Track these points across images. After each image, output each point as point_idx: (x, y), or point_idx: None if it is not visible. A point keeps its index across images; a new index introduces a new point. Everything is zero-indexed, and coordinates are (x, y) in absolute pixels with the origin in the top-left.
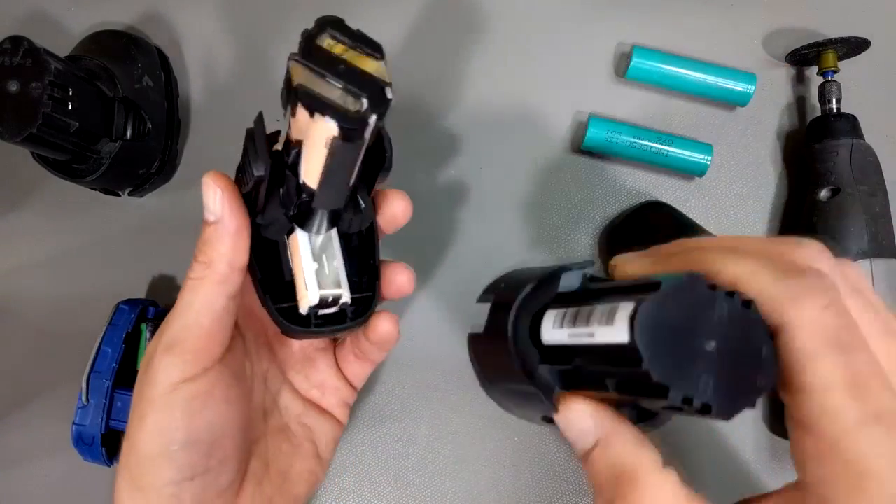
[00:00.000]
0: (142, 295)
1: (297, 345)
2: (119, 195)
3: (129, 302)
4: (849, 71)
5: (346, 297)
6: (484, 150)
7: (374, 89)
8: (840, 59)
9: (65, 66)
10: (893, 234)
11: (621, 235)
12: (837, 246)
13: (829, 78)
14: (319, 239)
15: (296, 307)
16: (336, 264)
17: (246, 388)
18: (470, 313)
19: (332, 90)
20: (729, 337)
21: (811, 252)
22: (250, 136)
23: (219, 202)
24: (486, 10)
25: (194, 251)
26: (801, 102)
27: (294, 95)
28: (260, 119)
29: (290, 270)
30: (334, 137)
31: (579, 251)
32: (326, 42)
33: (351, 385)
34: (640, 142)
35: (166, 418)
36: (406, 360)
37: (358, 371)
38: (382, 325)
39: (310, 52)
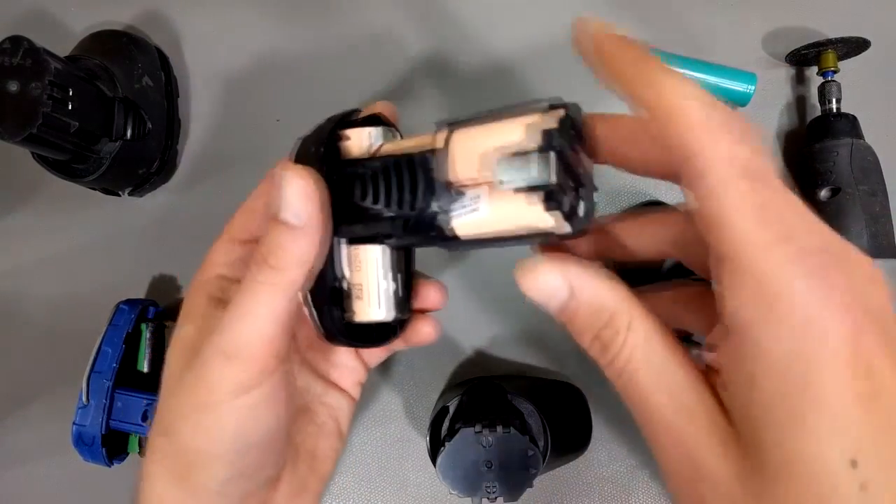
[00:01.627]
0: (142, 295)
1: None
2: (119, 195)
3: (129, 302)
4: (849, 71)
5: (407, 316)
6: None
7: (590, 193)
8: (840, 59)
9: (65, 66)
10: (893, 234)
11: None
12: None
13: (829, 78)
14: (396, 254)
15: (341, 315)
16: (401, 284)
17: (295, 385)
18: (471, 313)
19: (569, 188)
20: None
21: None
22: (423, 164)
23: (308, 205)
24: (485, 9)
25: (260, 248)
26: (801, 102)
27: (551, 194)
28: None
29: (334, 275)
30: (555, 235)
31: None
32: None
33: (365, 365)
34: None
35: (227, 425)
36: (406, 360)
37: (376, 353)
38: (425, 330)
39: (567, 150)
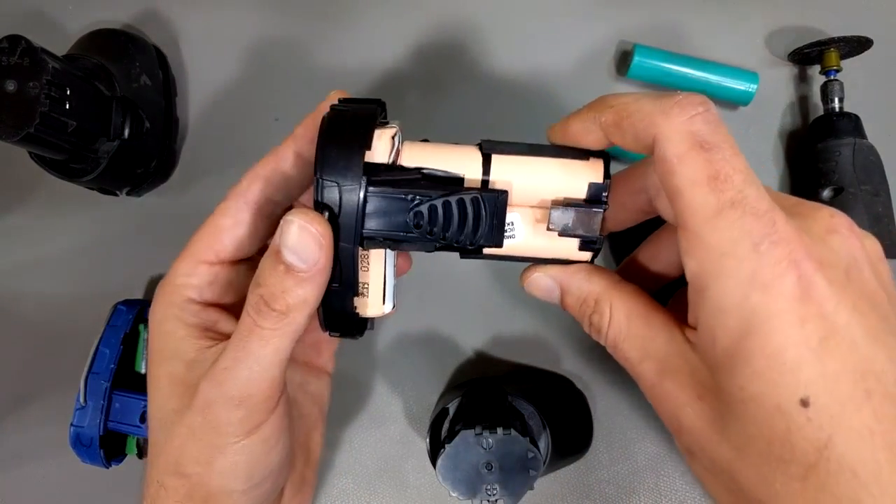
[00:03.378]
0: (140, 295)
1: None
2: (117, 195)
3: (127, 302)
4: (851, 70)
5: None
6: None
7: (601, 234)
8: (843, 57)
9: (62, 65)
10: None
11: (627, 235)
12: None
13: (832, 77)
14: (394, 254)
15: (349, 312)
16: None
17: (292, 401)
18: (471, 313)
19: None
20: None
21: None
22: (489, 204)
23: (319, 253)
24: (486, 10)
25: (260, 290)
26: (803, 102)
27: (593, 243)
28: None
29: (351, 279)
30: (581, 262)
31: None
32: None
33: None
34: None
35: (240, 463)
36: (406, 361)
37: None
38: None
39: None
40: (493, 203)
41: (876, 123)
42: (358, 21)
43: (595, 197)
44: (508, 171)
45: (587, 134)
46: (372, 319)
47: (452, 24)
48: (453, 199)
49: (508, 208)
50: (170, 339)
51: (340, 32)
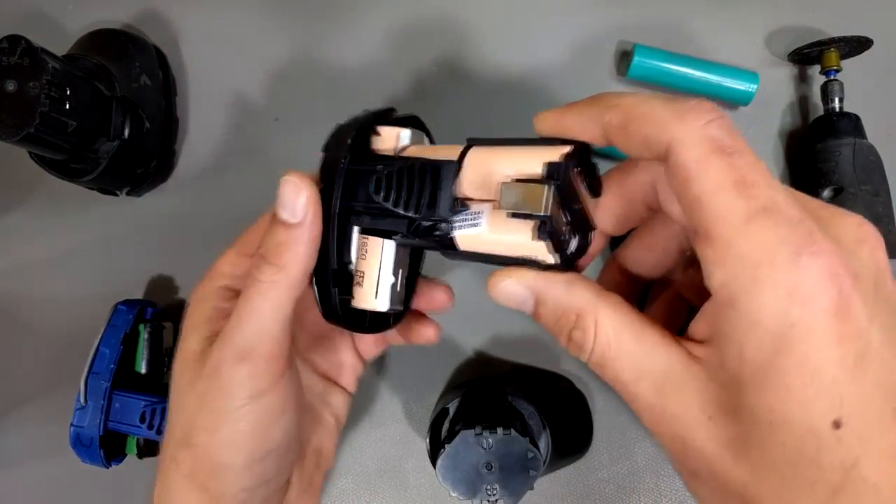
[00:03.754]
0: (140, 295)
1: (316, 326)
2: (117, 195)
3: (127, 302)
4: (851, 70)
5: (402, 309)
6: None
7: (586, 232)
8: (843, 58)
9: (62, 65)
10: None
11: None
12: None
13: (832, 77)
14: (401, 251)
15: (342, 297)
16: (403, 281)
17: (302, 390)
18: (471, 314)
19: (562, 222)
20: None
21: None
22: (434, 172)
23: (304, 206)
24: (486, 10)
25: (260, 249)
26: (803, 102)
27: (542, 225)
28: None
29: (339, 258)
30: (542, 264)
31: None
32: (576, 170)
33: (362, 360)
34: None
35: (244, 430)
36: (406, 361)
37: (374, 351)
38: (427, 332)
39: (564, 181)
40: (436, 171)
41: (876, 123)
42: (357, 21)
43: (549, 175)
44: (479, 160)
45: (584, 132)
46: (386, 318)
47: (452, 24)
48: (404, 167)
49: (478, 204)
50: (198, 318)
51: (340, 32)
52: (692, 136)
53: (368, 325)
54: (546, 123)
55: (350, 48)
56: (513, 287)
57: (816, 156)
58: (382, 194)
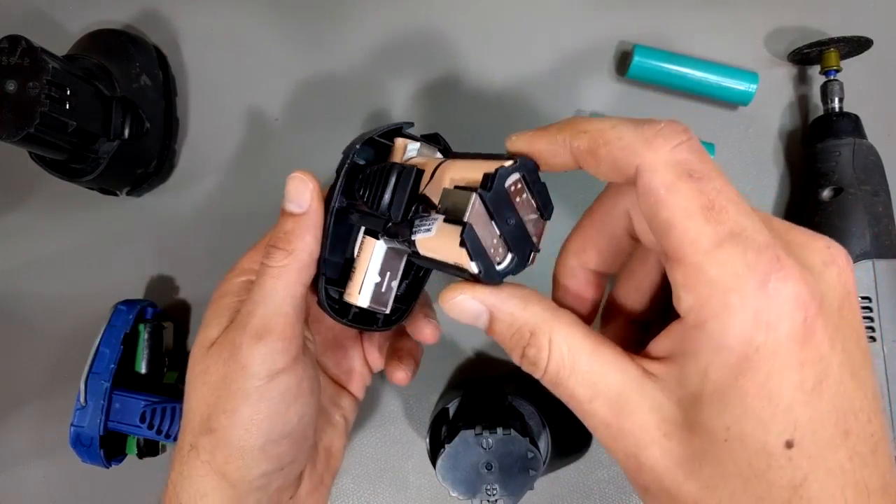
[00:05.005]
0: (140, 295)
1: (330, 331)
2: (117, 195)
3: (127, 302)
4: (851, 70)
5: (386, 312)
6: (483, 150)
7: (525, 250)
8: (842, 58)
9: (62, 65)
10: None
11: None
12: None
13: (832, 77)
14: (390, 254)
15: (339, 291)
16: (393, 284)
17: (318, 381)
18: None
19: (491, 233)
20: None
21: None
22: (398, 176)
23: (309, 197)
24: (486, 9)
25: (270, 241)
26: (803, 102)
27: (463, 230)
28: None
29: (341, 260)
30: (469, 273)
31: None
32: (512, 183)
33: (370, 369)
34: None
35: (263, 411)
36: None
37: (379, 362)
38: (426, 330)
39: (495, 192)
40: (400, 173)
41: (876, 123)
42: (358, 21)
43: (481, 184)
44: (446, 170)
45: (554, 156)
46: (373, 318)
47: (452, 25)
48: (378, 169)
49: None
50: (219, 309)
51: (340, 33)
52: (660, 160)
53: (352, 319)
54: (516, 146)
55: (350, 48)
56: (467, 302)
57: (816, 156)
58: (361, 191)
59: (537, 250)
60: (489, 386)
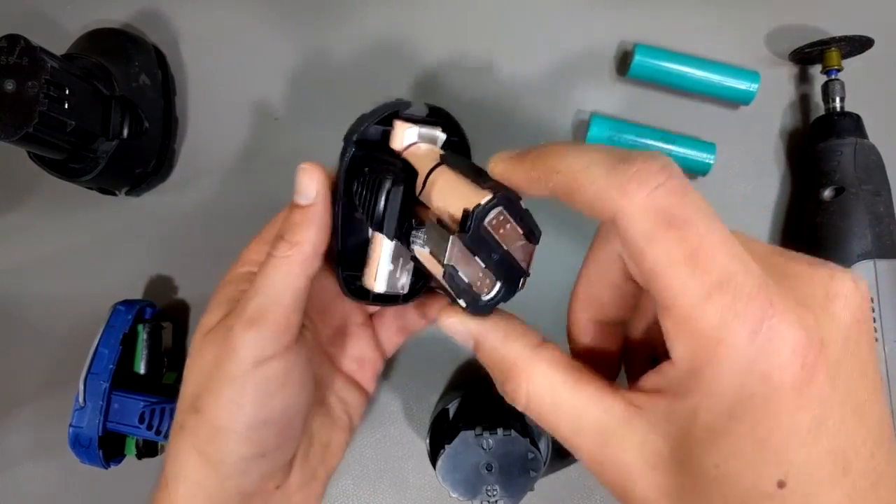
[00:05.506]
0: (139, 295)
1: (340, 320)
2: (116, 195)
3: (126, 303)
4: (853, 69)
5: (403, 294)
6: (484, 150)
7: (514, 278)
8: (844, 57)
9: (61, 64)
10: None
11: None
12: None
13: (833, 76)
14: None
15: (357, 276)
16: (408, 268)
17: (312, 371)
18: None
19: (476, 268)
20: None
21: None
22: (388, 194)
23: (315, 189)
24: (486, 8)
25: (279, 232)
26: (804, 101)
27: (444, 271)
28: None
29: (357, 242)
30: (461, 305)
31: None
32: (493, 217)
33: (382, 354)
34: (643, 141)
35: (247, 395)
36: (406, 362)
37: (396, 340)
38: (437, 306)
39: (473, 233)
40: (389, 192)
41: (877, 123)
42: (358, 20)
43: (460, 225)
44: (436, 183)
45: (532, 190)
46: (394, 296)
47: (452, 25)
48: (368, 180)
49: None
50: (221, 297)
51: (341, 32)
52: (637, 208)
53: (374, 298)
54: (497, 169)
55: (351, 47)
56: (457, 326)
57: (817, 156)
58: (357, 200)
59: (527, 275)
60: (489, 386)
